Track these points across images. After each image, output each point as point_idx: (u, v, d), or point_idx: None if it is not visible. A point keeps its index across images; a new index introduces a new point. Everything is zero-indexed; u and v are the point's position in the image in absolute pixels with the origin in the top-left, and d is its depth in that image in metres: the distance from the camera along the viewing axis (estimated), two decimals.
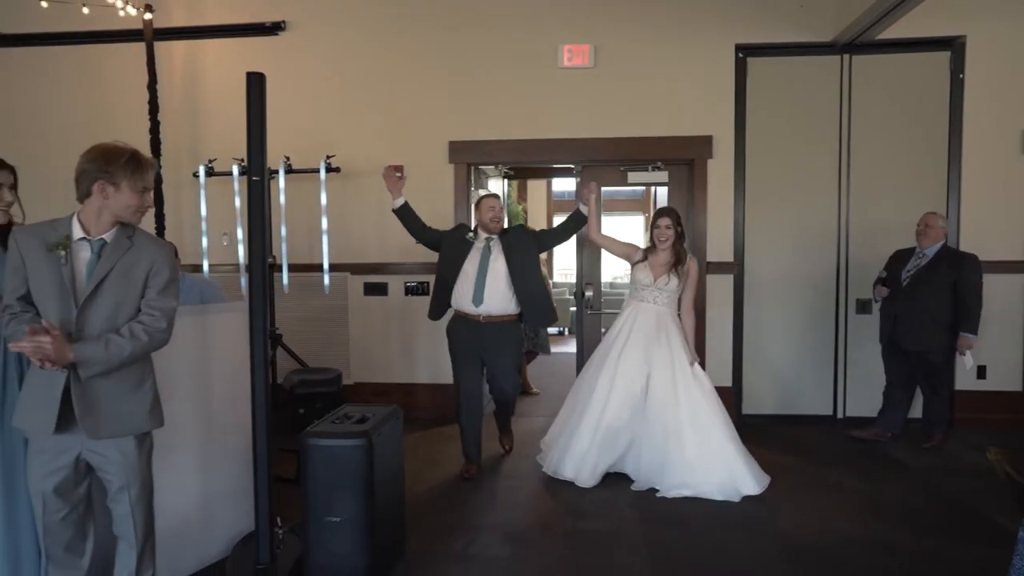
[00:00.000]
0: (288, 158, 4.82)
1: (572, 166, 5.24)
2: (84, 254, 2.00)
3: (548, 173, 8.50)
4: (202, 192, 4.88)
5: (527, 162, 5.69)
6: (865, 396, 4.79)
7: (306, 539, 2.57)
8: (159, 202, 4.94)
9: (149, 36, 4.95)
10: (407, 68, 5.04)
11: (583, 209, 3.87)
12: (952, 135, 4.74)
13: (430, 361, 5.06)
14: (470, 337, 3.78)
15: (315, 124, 5.04)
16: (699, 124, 4.89)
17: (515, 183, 8.93)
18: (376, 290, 5.14)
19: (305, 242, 5.00)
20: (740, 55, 4.87)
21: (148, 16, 4.90)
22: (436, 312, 3.94)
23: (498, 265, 3.77)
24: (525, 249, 3.85)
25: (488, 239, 3.84)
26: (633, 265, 3.89)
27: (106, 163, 2.01)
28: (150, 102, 4.99)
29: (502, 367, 3.82)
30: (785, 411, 4.94)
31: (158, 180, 4.91)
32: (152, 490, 2.17)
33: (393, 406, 2.86)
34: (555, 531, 3.16)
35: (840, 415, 4.93)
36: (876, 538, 3.02)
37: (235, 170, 4.79)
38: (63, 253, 1.95)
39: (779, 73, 4.89)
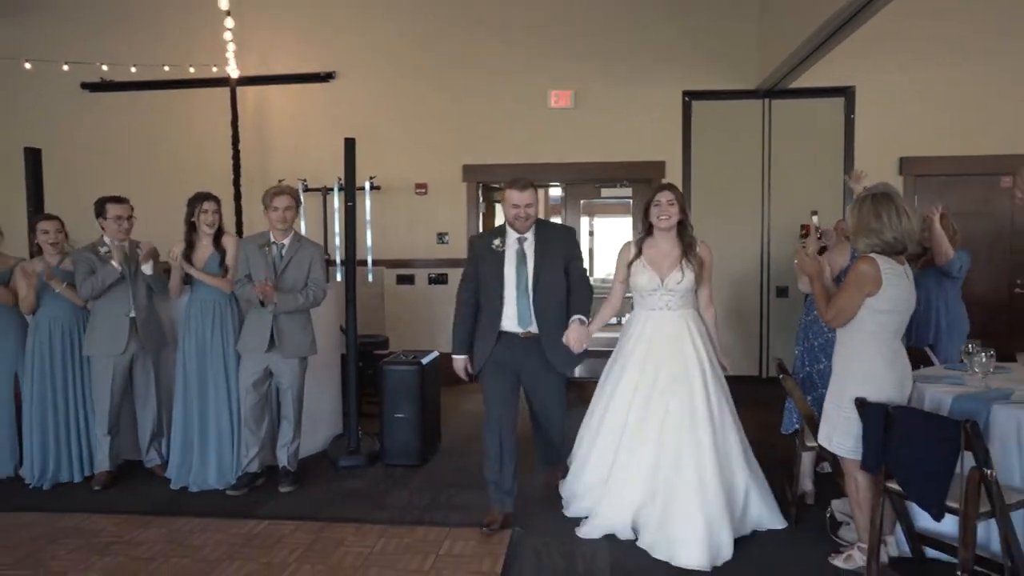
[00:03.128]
0: (340, 179, 6.52)
1: (559, 183, 6.95)
2: (275, 249, 3.74)
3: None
4: None
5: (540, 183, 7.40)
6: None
7: (381, 431, 4.30)
8: (239, 213, 6.65)
9: (232, 84, 6.65)
10: (430, 105, 6.74)
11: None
12: (846, 160, 6.42)
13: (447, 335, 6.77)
14: (509, 356, 3.34)
15: (360, 150, 6.74)
16: (655, 151, 6.59)
17: None
18: (406, 280, 6.86)
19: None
20: (686, 99, 6.56)
21: (234, 73, 6.59)
22: (463, 343, 3.48)
23: (531, 269, 3.32)
24: (554, 253, 3.36)
25: (520, 239, 3.36)
26: (629, 266, 3.26)
27: (264, 197, 3.76)
28: (233, 136, 6.68)
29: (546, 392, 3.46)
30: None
31: (237, 197, 6.61)
32: (303, 392, 3.91)
33: (435, 351, 4.59)
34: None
35: (764, 377, 6.62)
36: None
37: (300, 187, 6.49)
38: (267, 249, 3.69)
39: (716, 112, 6.58)
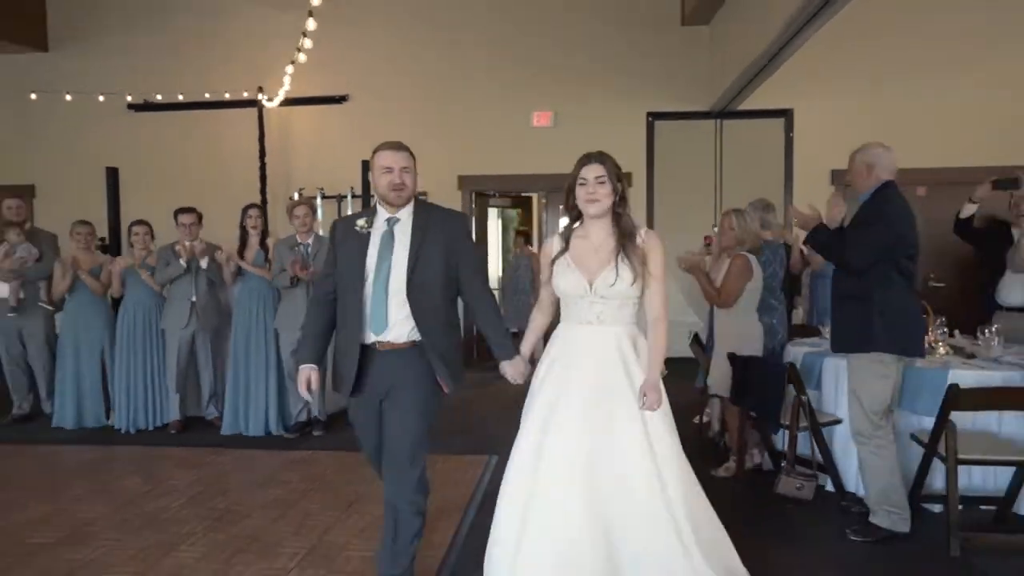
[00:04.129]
0: (352, 188, 7.69)
1: (542, 192, 8.11)
2: (303, 248, 4.89)
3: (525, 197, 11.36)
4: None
5: (510, 190, 8.57)
6: None
7: None
8: (265, 218, 7.80)
9: (260, 107, 7.83)
10: (429, 123, 7.89)
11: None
12: (787, 173, 7.58)
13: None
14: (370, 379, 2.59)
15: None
16: (623, 163, 7.70)
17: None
18: None
19: None
20: (650, 119, 7.72)
21: (264, 99, 7.77)
22: (307, 350, 2.69)
23: (400, 257, 2.55)
24: (433, 240, 2.57)
25: (391, 220, 2.61)
26: (552, 265, 2.54)
27: (288, 209, 4.92)
28: (260, 151, 7.85)
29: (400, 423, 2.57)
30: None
31: (264, 203, 7.78)
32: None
33: None
34: None
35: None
36: None
37: (318, 195, 7.66)
38: (296, 248, 4.86)
39: (675, 130, 7.74)
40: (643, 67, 7.69)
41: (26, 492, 3.93)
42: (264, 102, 7.80)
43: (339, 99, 8.02)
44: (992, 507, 3.30)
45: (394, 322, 2.52)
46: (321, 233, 7.40)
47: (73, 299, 5.20)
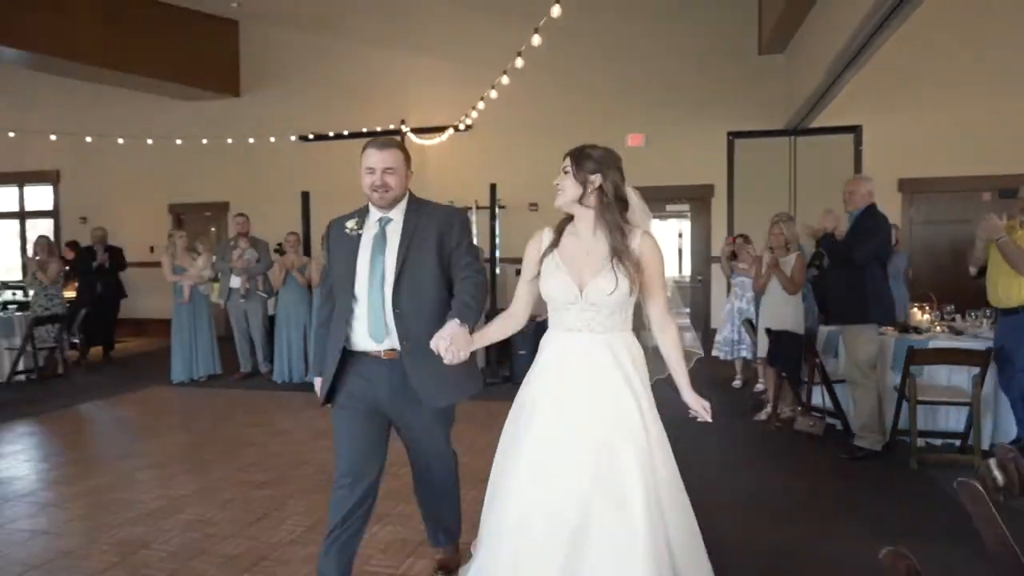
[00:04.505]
0: (476, 201, 9.38)
1: None
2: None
3: None
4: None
5: None
6: None
7: (508, 362, 7.07)
8: None
9: (402, 135, 9.68)
10: (537, 144, 9.43)
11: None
12: None
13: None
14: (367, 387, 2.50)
15: (488, 179, 9.59)
16: (706, 176, 9.00)
17: None
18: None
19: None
20: (730, 137, 8.93)
21: (405, 128, 9.63)
22: (316, 360, 2.69)
23: (392, 259, 2.46)
24: (427, 239, 2.48)
25: (383, 220, 2.52)
26: (540, 264, 2.35)
27: None
28: None
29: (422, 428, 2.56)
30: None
31: None
32: None
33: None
34: None
35: None
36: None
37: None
38: None
39: (753, 148, 8.90)
40: (724, 92, 8.92)
41: (254, 418, 5.81)
42: (406, 131, 9.63)
43: (465, 128, 9.75)
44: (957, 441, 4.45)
45: (394, 329, 2.40)
46: None
47: (285, 288, 7.14)
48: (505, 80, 8.40)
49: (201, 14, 9.92)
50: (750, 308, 6.08)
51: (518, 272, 2.72)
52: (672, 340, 2.31)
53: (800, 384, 4.95)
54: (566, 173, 2.32)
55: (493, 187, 7.61)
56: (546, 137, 9.48)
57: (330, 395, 2.54)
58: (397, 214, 2.52)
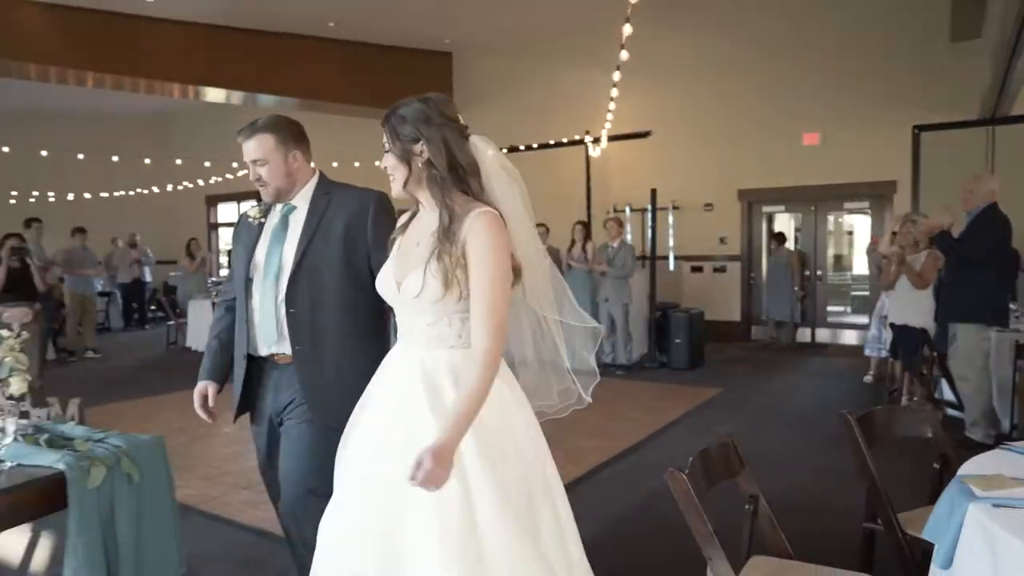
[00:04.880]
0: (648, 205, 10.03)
1: (812, 202, 9.51)
2: (609, 250, 7.47)
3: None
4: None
5: (791, 201, 10.06)
6: None
7: (666, 350, 7.75)
8: (589, 227, 10.58)
9: (585, 145, 10.63)
10: (712, 148, 9.86)
11: None
12: None
13: (717, 305, 9.82)
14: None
15: (663, 181, 10.17)
16: (888, 173, 8.77)
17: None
18: (697, 270, 10.11)
19: (663, 243, 10.18)
20: (916, 131, 8.60)
21: (588, 139, 10.59)
22: (205, 365, 2.36)
23: (291, 252, 2.21)
24: (333, 227, 2.20)
25: (287, 207, 2.28)
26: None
27: (604, 224, 7.46)
28: (586, 177, 10.63)
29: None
30: None
31: (588, 216, 10.56)
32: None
33: (702, 310, 7.88)
34: None
35: None
36: None
37: (627, 209, 10.16)
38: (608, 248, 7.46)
39: (941, 140, 8.48)
40: (910, 83, 8.63)
41: None
42: (588, 141, 10.60)
43: (644, 134, 10.45)
44: None
45: (286, 331, 2.16)
46: (628, 239, 9.98)
47: None
48: (614, 93, 8.85)
49: (420, 51, 11.77)
50: None
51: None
52: (478, 374, 1.63)
53: (917, 376, 5.06)
54: (386, 151, 1.80)
55: (654, 192, 8.28)
56: (718, 140, 9.86)
57: (243, 407, 2.31)
58: (301, 201, 2.25)
